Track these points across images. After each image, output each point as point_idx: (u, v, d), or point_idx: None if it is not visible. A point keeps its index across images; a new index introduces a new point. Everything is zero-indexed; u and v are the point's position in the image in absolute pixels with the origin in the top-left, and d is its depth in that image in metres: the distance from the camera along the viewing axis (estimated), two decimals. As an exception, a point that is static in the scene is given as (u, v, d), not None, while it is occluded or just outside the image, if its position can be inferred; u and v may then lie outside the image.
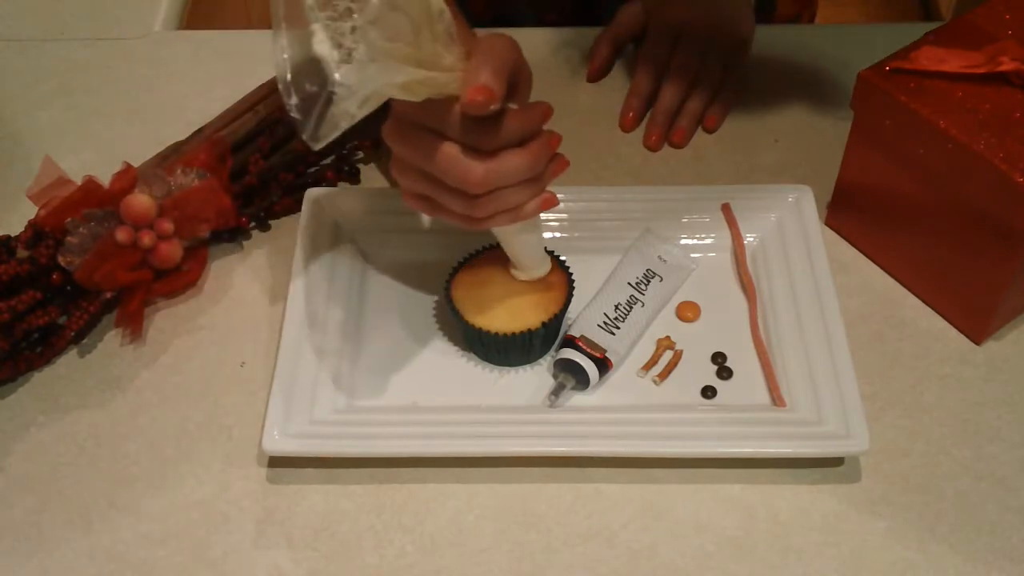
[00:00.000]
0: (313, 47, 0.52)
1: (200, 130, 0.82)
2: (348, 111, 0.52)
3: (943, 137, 0.67)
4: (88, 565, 0.64)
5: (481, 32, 0.61)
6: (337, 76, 0.51)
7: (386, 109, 0.59)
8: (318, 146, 0.52)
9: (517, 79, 0.58)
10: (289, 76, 0.52)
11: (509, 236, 0.66)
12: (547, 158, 0.61)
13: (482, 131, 0.57)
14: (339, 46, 0.51)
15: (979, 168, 0.66)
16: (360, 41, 0.51)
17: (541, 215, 0.65)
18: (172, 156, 0.80)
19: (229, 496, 0.67)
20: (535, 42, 0.95)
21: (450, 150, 0.57)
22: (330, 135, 0.52)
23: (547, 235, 0.77)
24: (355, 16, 0.51)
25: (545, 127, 0.61)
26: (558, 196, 0.78)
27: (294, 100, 0.52)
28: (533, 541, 0.65)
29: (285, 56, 0.52)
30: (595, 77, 0.92)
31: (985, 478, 0.67)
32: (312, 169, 0.83)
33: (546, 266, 0.70)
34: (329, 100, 0.51)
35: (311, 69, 0.52)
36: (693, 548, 0.64)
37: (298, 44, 0.52)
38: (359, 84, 0.51)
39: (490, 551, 0.64)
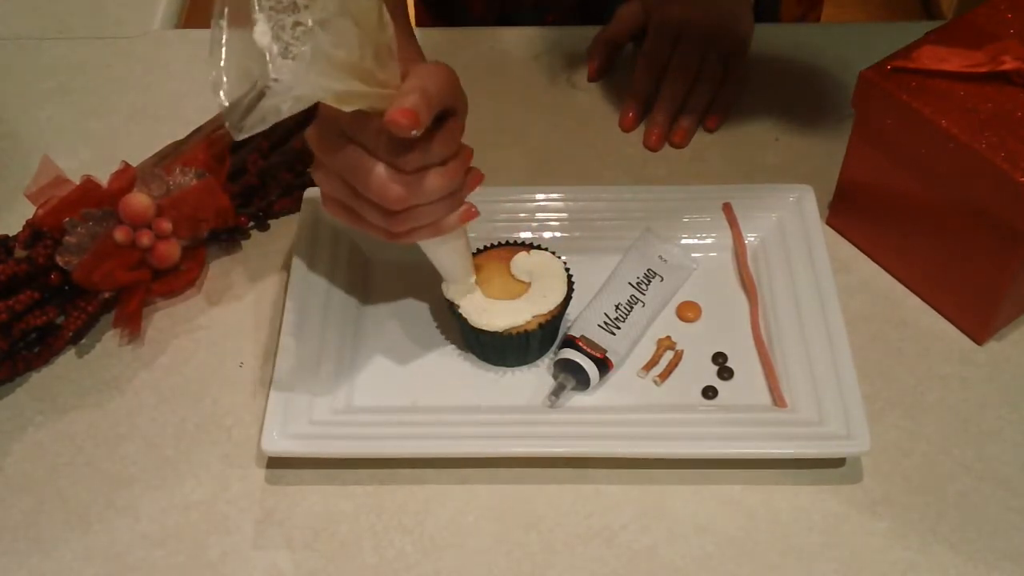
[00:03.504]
0: (253, 36, 0.51)
1: (199, 129, 0.82)
2: (278, 107, 0.51)
3: (944, 136, 0.67)
4: (86, 566, 0.64)
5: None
6: (273, 72, 0.50)
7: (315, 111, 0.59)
8: (240, 136, 0.51)
9: (454, 107, 0.58)
10: (223, 63, 0.51)
11: (431, 248, 0.66)
12: (464, 174, 0.61)
13: (404, 152, 0.57)
14: (279, 39, 0.51)
15: (980, 168, 0.66)
16: (306, 42, 0.50)
17: (466, 233, 0.65)
18: (171, 155, 0.80)
19: (228, 496, 0.67)
20: (535, 42, 0.95)
21: (372, 165, 0.57)
22: (255, 128, 0.51)
23: (547, 235, 0.77)
24: (302, 11, 0.50)
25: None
26: (558, 196, 0.78)
27: (225, 87, 0.51)
28: (533, 541, 0.64)
29: (223, 41, 0.51)
30: (595, 77, 0.92)
31: (986, 478, 0.67)
32: (311, 168, 0.83)
33: (471, 277, 0.69)
34: (261, 94, 0.51)
35: (247, 59, 0.51)
36: (693, 549, 0.64)
37: (237, 32, 0.51)
38: (295, 83, 0.51)
39: (490, 552, 0.64)
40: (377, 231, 0.62)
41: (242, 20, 0.51)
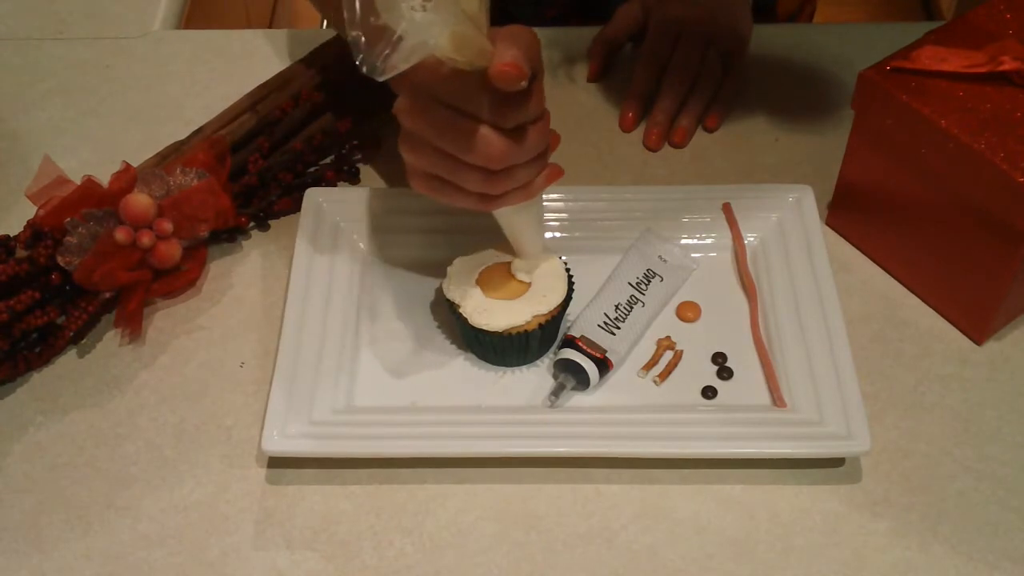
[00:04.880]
0: None
1: (199, 130, 0.82)
2: (423, 43, 0.52)
3: (944, 137, 0.67)
4: (86, 566, 0.64)
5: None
6: (407, 13, 0.52)
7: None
8: (383, 78, 0.53)
9: (536, 68, 0.59)
10: (359, 9, 0.53)
11: (513, 217, 0.67)
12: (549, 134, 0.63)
13: (506, 108, 0.58)
14: None
15: (980, 168, 0.66)
16: None
17: (543, 201, 0.66)
18: (171, 156, 0.80)
19: (228, 497, 0.67)
20: (535, 41, 0.95)
21: (472, 125, 0.58)
22: (398, 68, 0.53)
23: (547, 235, 0.77)
24: None
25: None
26: (558, 196, 0.78)
27: (358, 33, 0.53)
28: (533, 542, 0.64)
29: None
30: (594, 77, 0.92)
31: (986, 478, 0.67)
32: (312, 169, 0.83)
33: (543, 249, 0.70)
34: (400, 37, 0.52)
35: (373, 4, 0.52)
36: (693, 549, 0.64)
37: None
38: (429, 24, 0.52)
39: (490, 552, 0.64)
40: (471, 200, 0.62)
41: None
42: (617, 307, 0.72)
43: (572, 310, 0.72)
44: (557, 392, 0.69)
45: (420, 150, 0.61)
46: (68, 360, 0.74)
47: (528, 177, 0.62)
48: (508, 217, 0.67)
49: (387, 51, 0.52)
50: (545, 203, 0.78)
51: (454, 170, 0.60)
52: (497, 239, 0.70)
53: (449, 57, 0.55)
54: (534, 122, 0.60)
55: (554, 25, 0.97)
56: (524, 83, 0.56)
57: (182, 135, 0.82)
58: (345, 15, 0.53)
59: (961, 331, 0.74)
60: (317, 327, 0.71)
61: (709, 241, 0.78)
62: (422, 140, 0.60)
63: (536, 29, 0.95)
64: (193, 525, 0.66)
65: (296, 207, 0.79)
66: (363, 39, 0.53)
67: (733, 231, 0.77)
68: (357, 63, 0.53)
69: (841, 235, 0.80)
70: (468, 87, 0.57)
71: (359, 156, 0.85)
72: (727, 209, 0.78)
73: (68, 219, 0.73)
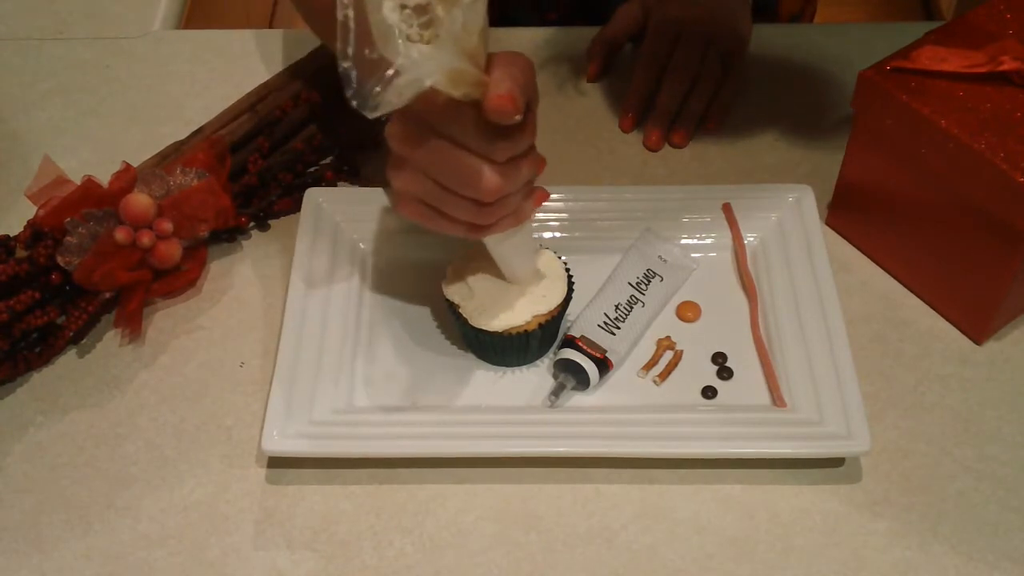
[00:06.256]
0: (383, 14, 0.50)
1: (199, 130, 0.82)
2: (421, 79, 0.50)
3: (944, 137, 0.67)
4: (86, 566, 0.64)
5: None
6: (404, 48, 0.50)
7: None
8: (375, 114, 0.51)
9: (531, 97, 0.58)
10: (353, 41, 0.50)
11: (502, 244, 0.65)
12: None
13: (501, 141, 0.56)
14: (405, 10, 0.50)
15: (980, 168, 0.66)
16: (444, 22, 0.51)
17: (532, 225, 0.65)
18: (171, 156, 0.80)
19: (228, 496, 0.67)
20: (535, 42, 0.95)
21: (466, 158, 0.56)
22: (392, 104, 0.51)
23: (547, 235, 0.77)
24: None
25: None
26: (558, 196, 0.78)
27: (350, 65, 0.50)
28: (533, 542, 0.64)
29: (350, 19, 0.50)
30: (594, 78, 0.92)
31: (986, 478, 0.67)
32: (312, 169, 0.83)
33: (535, 273, 0.70)
34: (396, 72, 0.50)
35: (369, 36, 0.51)
36: (693, 549, 0.64)
37: (362, 15, 0.51)
38: (427, 61, 0.50)
39: (490, 552, 0.64)
40: (460, 228, 0.61)
41: (365, 5, 0.51)
42: (617, 307, 0.72)
43: (572, 310, 0.72)
44: (557, 392, 0.69)
45: (410, 177, 0.59)
46: (68, 360, 0.74)
47: (517, 204, 0.61)
48: (499, 244, 0.66)
49: (380, 87, 0.50)
50: (545, 203, 0.78)
51: (445, 200, 0.59)
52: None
53: (445, 90, 0.53)
54: (526, 153, 0.59)
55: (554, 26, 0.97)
56: (519, 117, 0.55)
57: (182, 135, 0.82)
58: (338, 46, 0.51)
59: (961, 331, 0.74)
60: (317, 327, 0.71)
61: (709, 241, 0.78)
62: (413, 168, 0.59)
63: (536, 29, 0.96)
64: (193, 525, 0.66)
65: (296, 207, 0.79)
66: (355, 72, 0.50)
67: (733, 231, 0.77)
68: (348, 97, 0.51)
69: (841, 235, 0.80)
70: (463, 119, 0.55)
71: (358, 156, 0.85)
72: (727, 209, 0.78)
73: (68, 219, 0.73)
